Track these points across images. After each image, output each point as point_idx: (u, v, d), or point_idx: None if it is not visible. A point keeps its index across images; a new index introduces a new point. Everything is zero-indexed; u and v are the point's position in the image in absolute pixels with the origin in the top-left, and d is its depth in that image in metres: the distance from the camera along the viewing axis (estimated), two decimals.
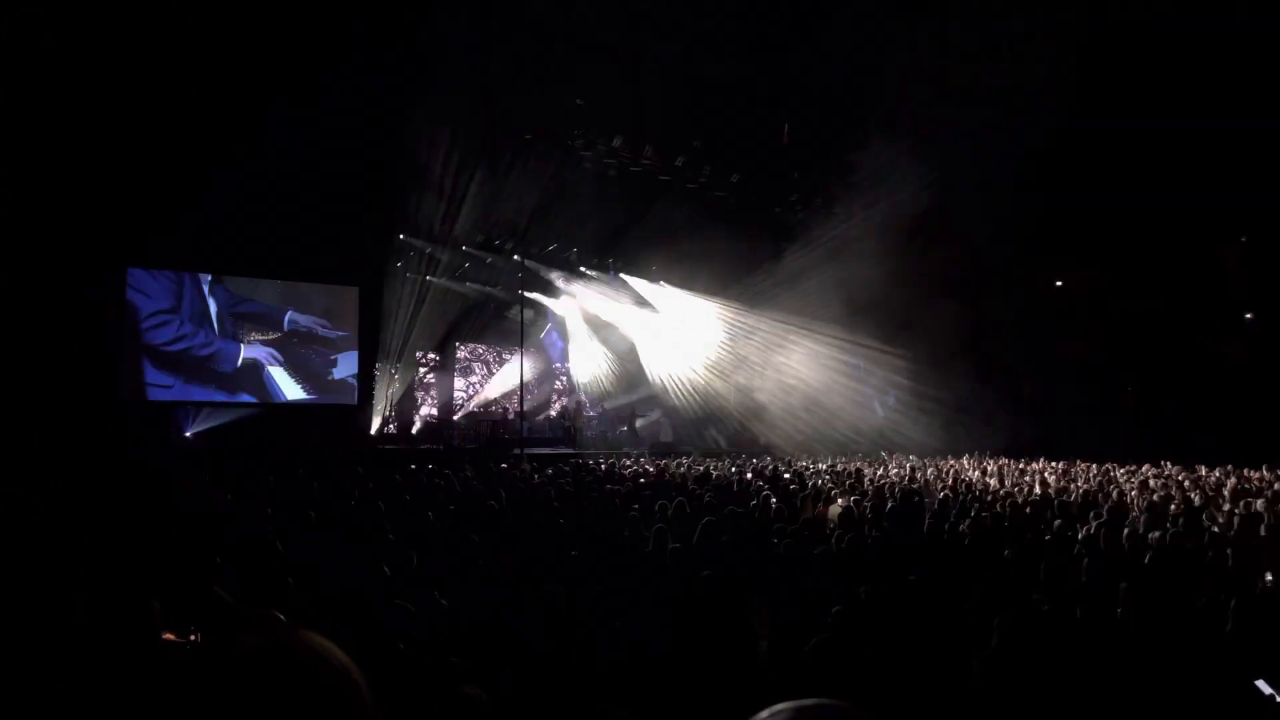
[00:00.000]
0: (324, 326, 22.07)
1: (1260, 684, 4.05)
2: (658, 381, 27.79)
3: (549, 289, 26.87)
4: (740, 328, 27.89)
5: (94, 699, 1.97)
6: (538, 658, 4.56)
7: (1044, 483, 15.03)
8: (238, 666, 0.89)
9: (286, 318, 21.63)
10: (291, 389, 21.38)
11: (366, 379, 22.66)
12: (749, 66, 20.45)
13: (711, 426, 27.40)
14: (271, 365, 21.17)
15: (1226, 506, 11.41)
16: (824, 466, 18.87)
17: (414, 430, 24.21)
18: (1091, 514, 10.00)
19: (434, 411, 25.25)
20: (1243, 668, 4.23)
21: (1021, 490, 13.79)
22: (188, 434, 19.59)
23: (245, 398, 20.68)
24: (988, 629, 4.63)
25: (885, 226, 23.99)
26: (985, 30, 18.50)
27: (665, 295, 27.87)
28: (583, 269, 26.77)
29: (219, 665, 0.90)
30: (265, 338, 21.21)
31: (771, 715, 1.01)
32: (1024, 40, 18.99)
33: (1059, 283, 30.63)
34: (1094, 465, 20.21)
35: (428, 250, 22.97)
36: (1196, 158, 21.67)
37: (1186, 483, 14.56)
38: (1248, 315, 28.10)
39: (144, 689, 1.94)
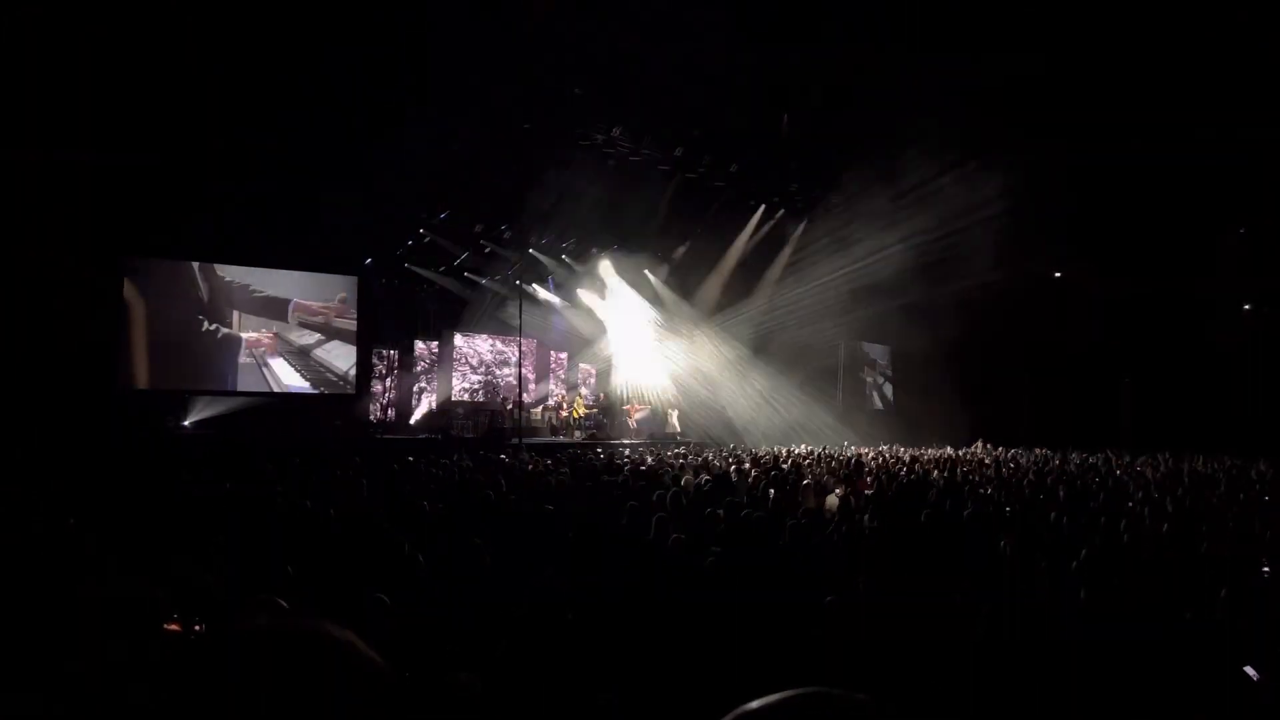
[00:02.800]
0: (325, 315, 22.02)
1: (1249, 670, 4.08)
2: (621, 383, 27.93)
3: (547, 280, 26.88)
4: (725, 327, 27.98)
5: (99, 692, 1.98)
6: (533, 646, 4.59)
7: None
8: (255, 646, 0.88)
9: (290, 305, 21.59)
10: (291, 378, 21.35)
11: (365, 369, 22.65)
12: (748, 55, 20.40)
13: (709, 417, 27.43)
14: (272, 357, 21.11)
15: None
16: (819, 453, 18.90)
17: (412, 420, 24.23)
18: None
19: (432, 401, 25.26)
20: (1235, 657, 4.26)
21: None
22: (185, 423, 19.58)
23: (244, 387, 20.65)
24: (978, 619, 4.66)
25: (882, 216, 24.01)
26: (985, 27, 18.46)
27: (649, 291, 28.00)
28: (581, 260, 26.80)
29: (234, 645, 0.89)
30: (266, 329, 21.13)
31: (762, 704, 1.02)
32: (1018, 34, 18.95)
33: (1057, 274, 30.65)
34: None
35: (427, 240, 22.94)
36: (1195, 148, 21.64)
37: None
38: (1245, 306, 28.13)
39: (149, 680, 1.96)
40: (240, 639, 0.89)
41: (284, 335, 21.55)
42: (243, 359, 20.84)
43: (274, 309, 21.52)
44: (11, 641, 2.63)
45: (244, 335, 20.89)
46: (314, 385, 21.75)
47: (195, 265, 20.29)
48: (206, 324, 20.30)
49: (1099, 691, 4.17)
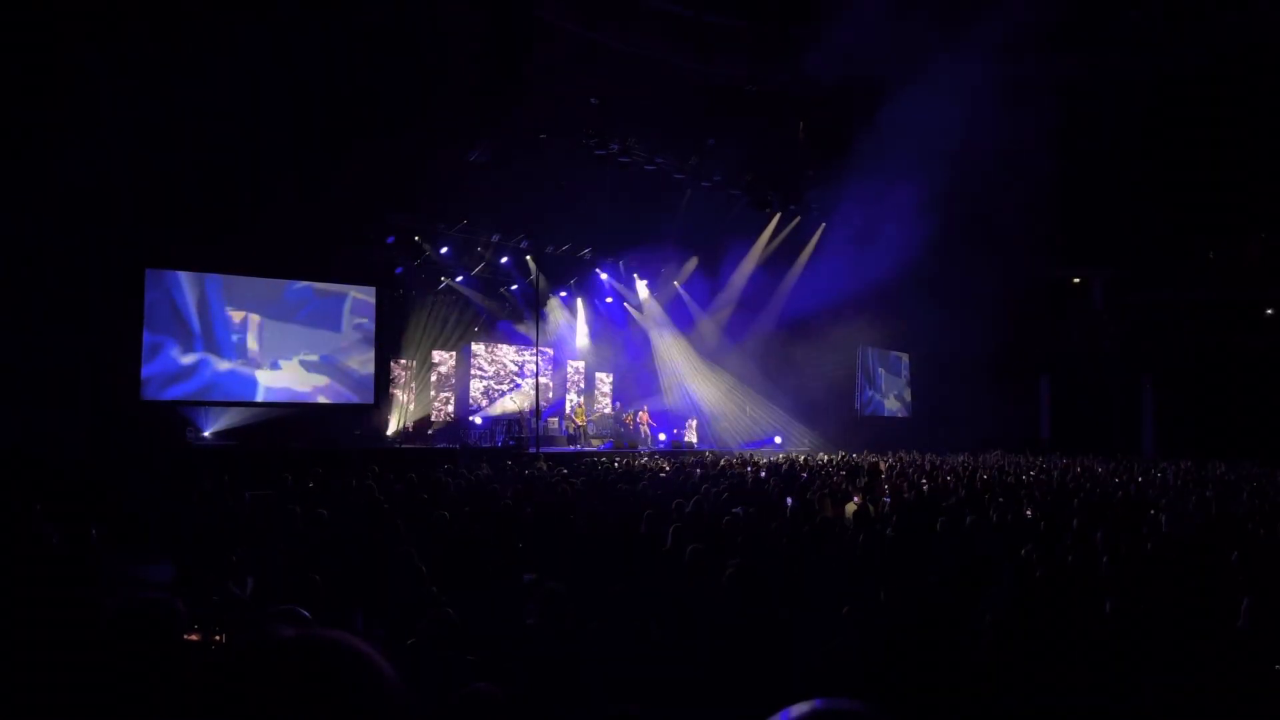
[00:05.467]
0: (352, 336, 21.97)
1: None
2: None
3: (564, 289, 26.95)
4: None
5: (118, 701, 2.00)
6: (553, 655, 4.59)
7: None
8: (277, 656, 0.89)
9: (346, 303, 21.88)
10: (313, 392, 21.28)
11: (383, 378, 22.75)
12: (763, 63, 20.45)
13: (726, 426, 27.41)
14: (298, 380, 20.96)
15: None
16: (838, 460, 18.84)
17: (430, 430, 24.31)
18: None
19: (450, 411, 25.34)
20: (1257, 665, 4.21)
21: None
22: (205, 433, 19.69)
23: (265, 398, 20.61)
24: (985, 626, 4.62)
25: (902, 222, 23.94)
26: (1000, 27, 18.41)
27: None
28: (597, 269, 26.87)
29: (256, 654, 0.89)
30: (291, 353, 20.96)
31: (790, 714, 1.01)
32: (1038, 35, 18.89)
33: (1076, 279, 30.48)
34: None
35: (444, 249, 23.04)
36: (1216, 154, 21.50)
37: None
38: (1268, 311, 27.87)
39: (168, 690, 1.97)
40: (262, 647, 0.89)
41: (343, 367, 21.50)
42: (271, 394, 20.64)
43: (326, 312, 21.55)
44: (37, 649, 2.66)
45: (266, 369, 20.49)
46: (336, 397, 21.68)
47: (182, 274, 19.66)
48: (184, 355, 19.65)
49: (1118, 696, 4.12)
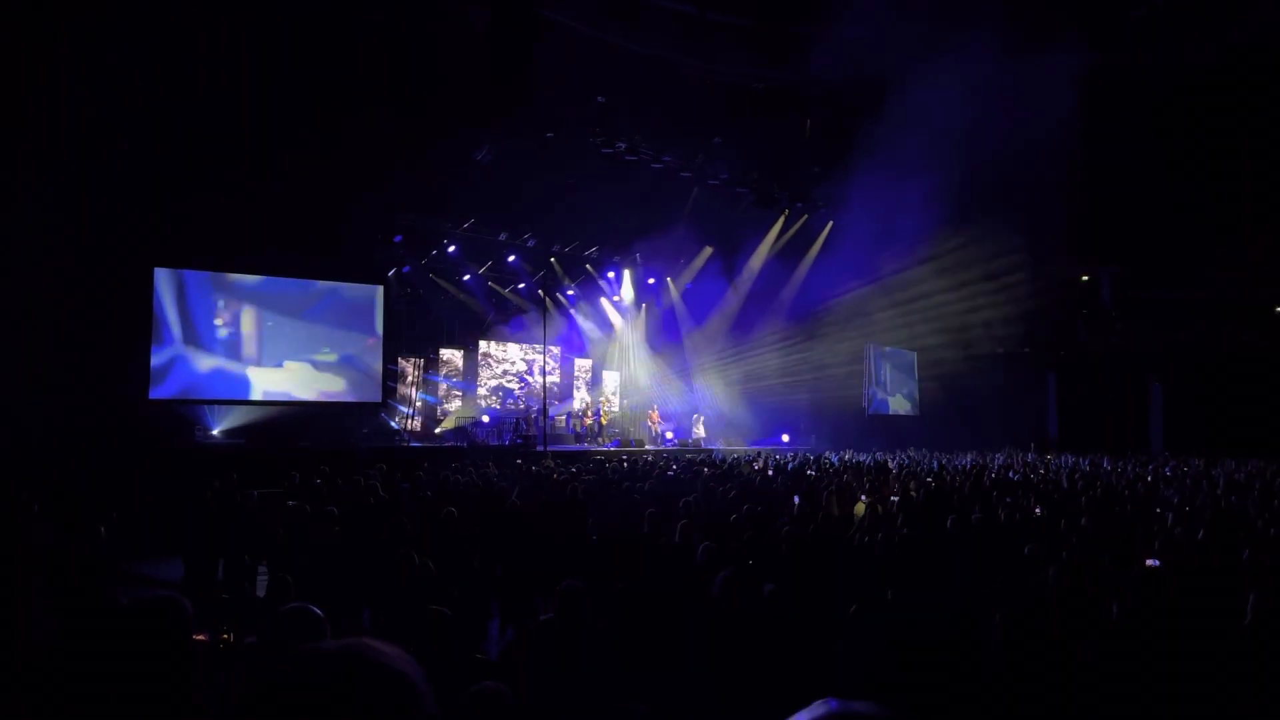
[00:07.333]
0: (360, 335, 21.95)
1: None
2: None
3: (571, 288, 26.96)
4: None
5: (127, 699, 2.01)
6: (560, 653, 4.59)
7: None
8: (321, 670, 0.90)
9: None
10: (320, 391, 21.29)
11: (390, 377, 22.80)
12: (768, 61, 20.43)
13: (734, 424, 27.40)
14: (304, 379, 20.94)
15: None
16: (846, 459, 18.81)
17: (438, 429, 24.34)
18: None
19: (458, 409, 25.36)
20: (1264, 663, 4.20)
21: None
22: (214, 432, 19.75)
23: (270, 397, 20.65)
24: (993, 625, 4.60)
25: (909, 219, 23.89)
26: (1006, 25, 18.36)
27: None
28: (604, 268, 26.88)
29: (300, 668, 0.90)
30: (294, 354, 20.96)
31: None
32: (1045, 31, 18.83)
33: (1085, 276, 30.36)
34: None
35: (452, 248, 23.08)
36: (1225, 151, 21.40)
37: None
38: (1278, 309, 27.74)
39: (175, 691, 1.98)
40: (312, 657, 0.90)
41: (350, 366, 21.49)
42: (267, 383, 20.62)
43: (333, 311, 21.56)
44: (39, 645, 2.67)
45: (260, 370, 20.54)
46: (342, 395, 21.69)
47: (187, 273, 19.57)
48: (192, 355, 19.51)
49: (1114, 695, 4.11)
